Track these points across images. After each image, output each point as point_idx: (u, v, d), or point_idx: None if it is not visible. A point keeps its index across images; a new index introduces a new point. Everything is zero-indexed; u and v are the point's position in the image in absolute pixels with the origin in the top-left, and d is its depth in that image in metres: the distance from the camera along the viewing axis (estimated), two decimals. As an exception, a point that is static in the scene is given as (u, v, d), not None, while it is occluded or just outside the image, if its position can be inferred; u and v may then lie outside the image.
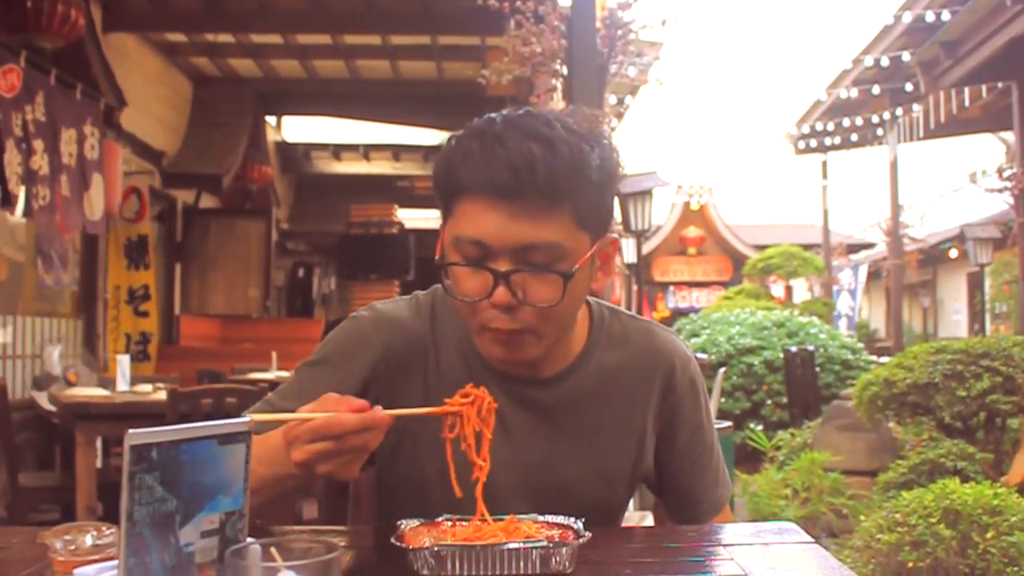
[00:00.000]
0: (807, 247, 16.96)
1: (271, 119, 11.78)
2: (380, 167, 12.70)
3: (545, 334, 1.22)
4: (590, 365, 1.33)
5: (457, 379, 1.28)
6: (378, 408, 1.06)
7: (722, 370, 7.33)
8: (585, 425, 1.32)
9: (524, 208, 1.14)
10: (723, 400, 7.71)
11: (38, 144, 5.34)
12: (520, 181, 1.13)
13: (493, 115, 1.21)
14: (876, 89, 12.58)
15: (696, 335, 8.96)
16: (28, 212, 5.25)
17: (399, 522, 1.11)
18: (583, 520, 1.11)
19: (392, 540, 1.04)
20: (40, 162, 5.34)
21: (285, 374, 6.46)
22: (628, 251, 11.17)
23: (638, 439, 1.35)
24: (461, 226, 1.18)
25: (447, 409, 1.12)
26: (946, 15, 9.54)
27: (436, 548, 1.00)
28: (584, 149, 1.17)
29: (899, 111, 13.05)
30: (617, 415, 1.34)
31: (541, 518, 1.12)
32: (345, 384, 1.30)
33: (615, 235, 1.29)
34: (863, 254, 20.25)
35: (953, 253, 18.47)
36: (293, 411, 1.29)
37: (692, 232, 22.89)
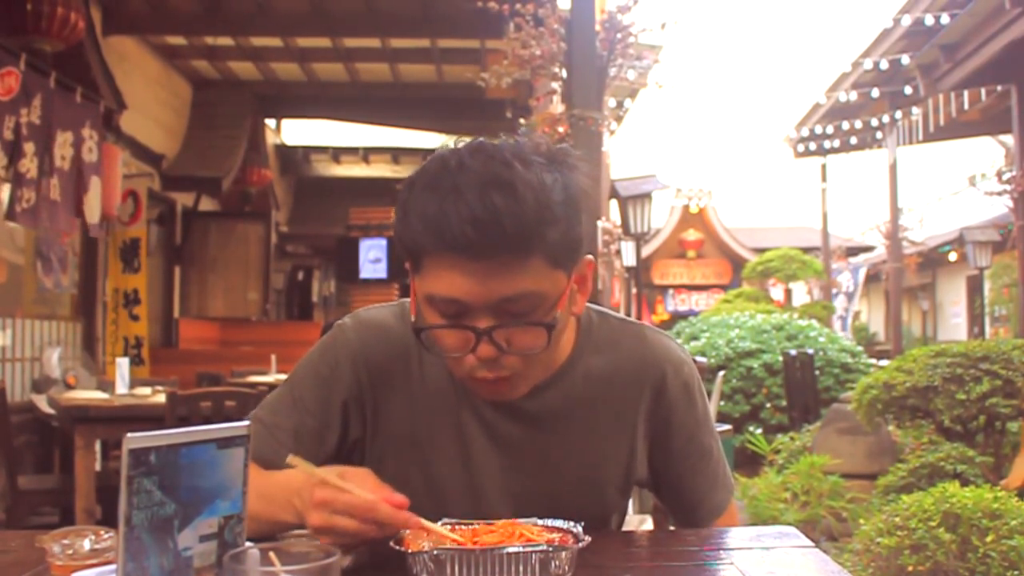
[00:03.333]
0: (806, 250, 16.98)
1: (270, 122, 11.79)
2: (379, 170, 12.71)
3: (533, 374, 1.22)
4: (576, 372, 1.30)
5: (442, 386, 1.28)
6: (412, 515, 1.04)
7: (721, 373, 7.32)
8: (572, 433, 1.30)
9: (495, 264, 1.09)
10: (722, 403, 7.71)
11: (28, 147, 5.33)
12: (487, 239, 1.07)
13: (446, 156, 1.14)
14: (875, 92, 12.60)
15: (695, 338, 8.97)
16: (11, 215, 5.23)
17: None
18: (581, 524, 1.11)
19: (391, 544, 1.03)
20: (28, 165, 5.33)
21: (284, 377, 6.45)
22: (627, 254, 11.17)
23: (629, 445, 1.33)
24: (432, 286, 1.13)
25: (459, 541, 1.06)
26: (945, 18, 9.56)
27: (435, 552, 1.00)
28: (547, 184, 1.13)
29: (898, 114, 13.06)
30: (606, 421, 1.31)
31: (540, 522, 1.12)
32: (331, 396, 1.30)
33: (588, 256, 1.25)
34: (862, 257, 20.27)
35: (952, 256, 18.49)
36: (284, 428, 1.31)
37: (691, 235, 22.90)
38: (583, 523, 1.11)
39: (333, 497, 1.03)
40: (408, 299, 1.32)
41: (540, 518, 1.13)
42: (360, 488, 1.03)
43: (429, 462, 1.29)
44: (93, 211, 6.09)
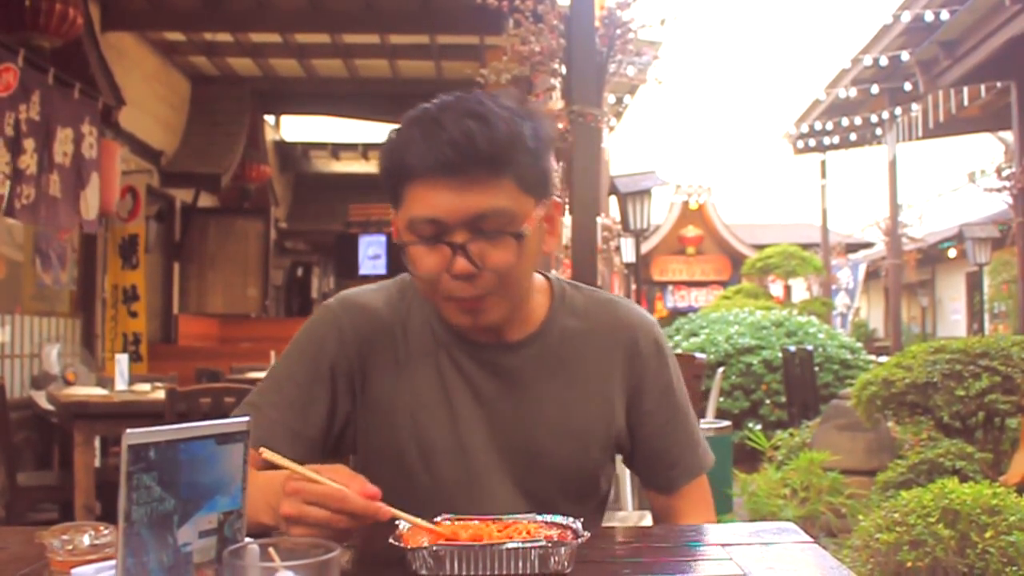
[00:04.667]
0: (806, 247, 16.98)
1: (269, 118, 11.78)
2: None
3: (507, 296, 1.27)
4: (553, 331, 1.37)
5: (425, 350, 1.35)
6: (383, 505, 1.04)
7: (720, 370, 7.33)
8: (552, 388, 1.35)
9: (470, 181, 1.20)
10: (722, 400, 7.71)
11: (28, 143, 5.33)
12: (463, 156, 1.19)
13: (427, 104, 1.26)
14: (875, 88, 12.60)
15: (695, 335, 8.97)
16: (10, 211, 5.23)
17: (397, 522, 1.11)
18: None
19: (391, 540, 1.03)
20: (28, 161, 5.33)
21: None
22: (627, 250, 11.17)
23: (607, 402, 1.37)
24: (413, 208, 1.23)
25: (434, 529, 1.07)
26: (945, 15, 9.55)
27: (435, 548, 1.00)
28: (517, 121, 1.24)
29: (898, 110, 13.06)
30: (584, 378, 1.37)
31: (540, 518, 1.12)
32: (319, 367, 1.35)
33: (557, 198, 1.33)
34: (862, 253, 20.28)
35: (952, 253, 18.50)
36: (277, 408, 1.34)
37: (691, 232, 22.89)
38: (570, 479, 1.17)
39: (304, 487, 1.03)
40: (389, 280, 1.42)
41: (527, 476, 1.13)
42: (333, 479, 1.03)
43: (419, 426, 1.33)
44: (90, 207, 6.08)
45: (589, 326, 1.39)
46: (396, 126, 1.29)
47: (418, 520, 1.07)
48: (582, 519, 1.09)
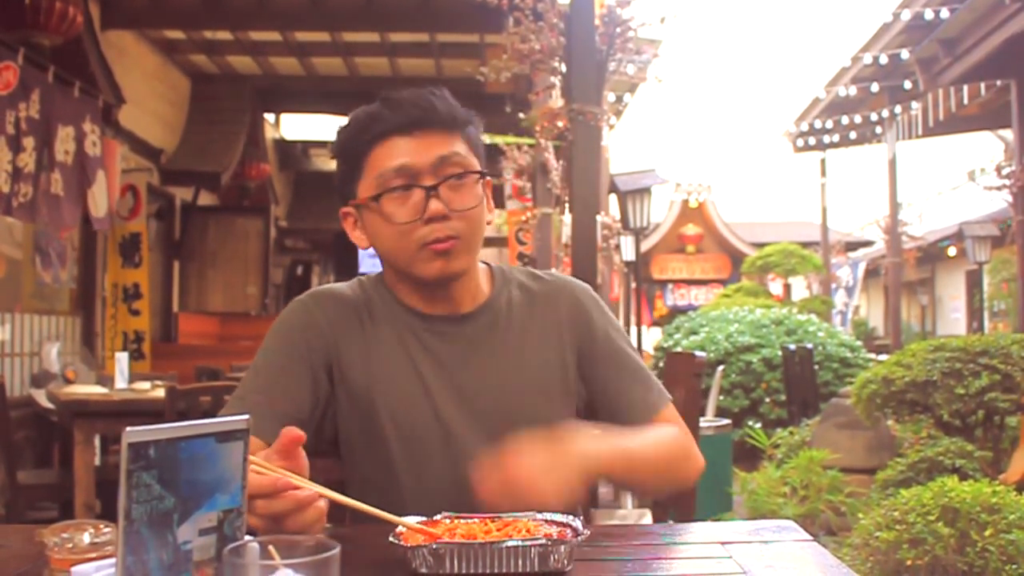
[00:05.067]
0: (806, 245, 16.97)
1: (269, 116, 11.78)
2: (378, 165, 12.68)
3: (471, 244, 1.40)
4: (500, 302, 1.49)
5: (389, 329, 1.45)
6: (317, 491, 1.04)
7: (720, 368, 7.33)
8: (508, 349, 1.46)
9: (430, 134, 1.37)
10: (721, 398, 7.72)
11: (28, 142, 5.32)
12: (425, 113, 1.37)
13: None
14: (875, 87, 12.59)
15: (694, 333, 8.97)
16: (7, 209, 5.23)
17: (399, 528, 1.11)
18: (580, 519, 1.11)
19: (390, 538, 1.03)
20: (27, 160, 5.32)
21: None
22: (626, 249, 11.17)
23: (559, 354, 1.48)
24: (381, 164, 1.37)
25: (392, 519, 1.07)
26: (945, 13, 9.54)
27: (434, 546, 1.00)
28: (462, 107, 1.44)
29: (898, 109, 13.05)
30: (535, 336, 1.48)
31: (539, 516, 1.12)
32: (297, 352, 1.43)
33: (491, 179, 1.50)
34: (861, 252, 20.27)
35: (952, 251, 18.50)
36: (261, 391, 1.39)
37: (691, 230, 22.90)
38: (543, 425, 1.24)
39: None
40: (358, 277, 1.56)
41: (500, 436, 1.17)
42: (277, 468, 1.03)
43: (393, 401, 1.41)
44: (98, 205, 6.09)
45: (531, 292, 1.52)
46: (350, 116, 1.44)
47: (361, 504, 1.07)
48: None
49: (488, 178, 1.47)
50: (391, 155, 1.37)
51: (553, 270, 1.61)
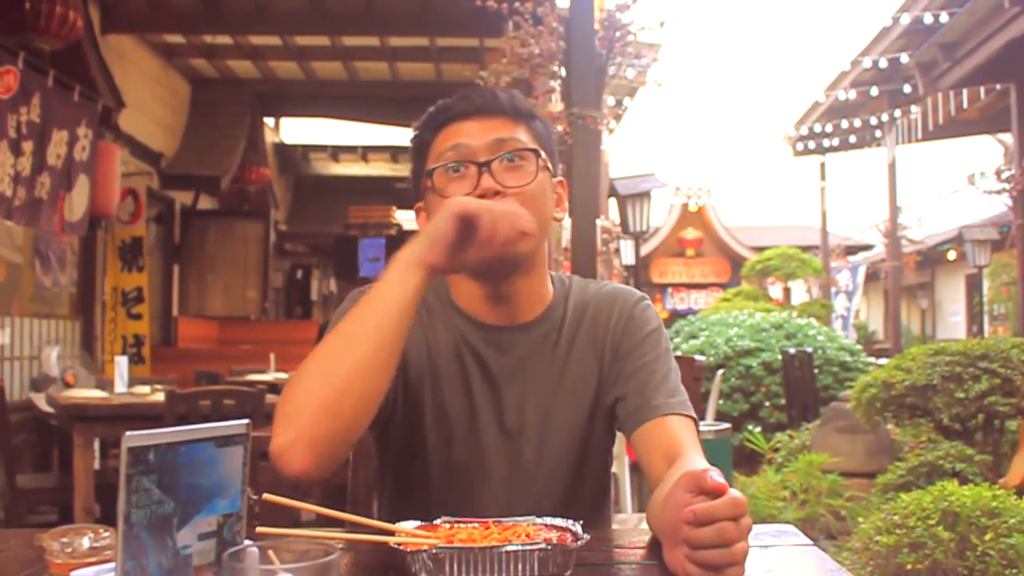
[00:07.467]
0: (805, 249, 16.98)
1: (269, 120, 11.78)
2: (378, 169, 12.69)
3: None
4: (558, 311, 1.46)
5: (443, 330, 1.43)
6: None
7: (720, 372, 7.33)
8: (555, 366, 1.43)
9: (493, 119, 1.40)
10: (721, 402, 7.71)
11: (27, 146, 5.32)
12: (490, 103, 1.41)
13: None
14: (874, 91, 12.59)
15: (694, 337, 8.96)
16: (8, 213, 5.22)
17: (396, 524, 1.11)
18: (577, 520, 1.11)
19: (391, 543, 1.03)
20: (24, 163, 5.32)
21: (283, 375, 6.45)
22: (626, 253, 11.17)
23: (597, 372, 1.43)
24: (441, 146, 1.39)
25: (386, 527, 1.08)
26: (944, 17, 9.55)
27: (435, 550, 1.00)
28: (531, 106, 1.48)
29: (897, 113, 13.06)
30: (578, 352, 1.44)
31: (539, 520, 1.12)
32: None
33: (562, 179, 1.50)
34: (861, 256, 20.27)
35: (951, 255, 18.51)
36: None
37: (690, 234, 22.89)
38: (575, 450, 1.30)
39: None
40: None
41: (532, 450, 1.18)
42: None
43: (438, 393, 1.41)
44: (72, 209, 5.98)
45: (587, 299, 1.49)
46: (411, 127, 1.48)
47: (383, 525, 1.07)
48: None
49: (559, 179, 1.47)
50: (451, 137, 1.39)
51: (606, 280, 1.58)
